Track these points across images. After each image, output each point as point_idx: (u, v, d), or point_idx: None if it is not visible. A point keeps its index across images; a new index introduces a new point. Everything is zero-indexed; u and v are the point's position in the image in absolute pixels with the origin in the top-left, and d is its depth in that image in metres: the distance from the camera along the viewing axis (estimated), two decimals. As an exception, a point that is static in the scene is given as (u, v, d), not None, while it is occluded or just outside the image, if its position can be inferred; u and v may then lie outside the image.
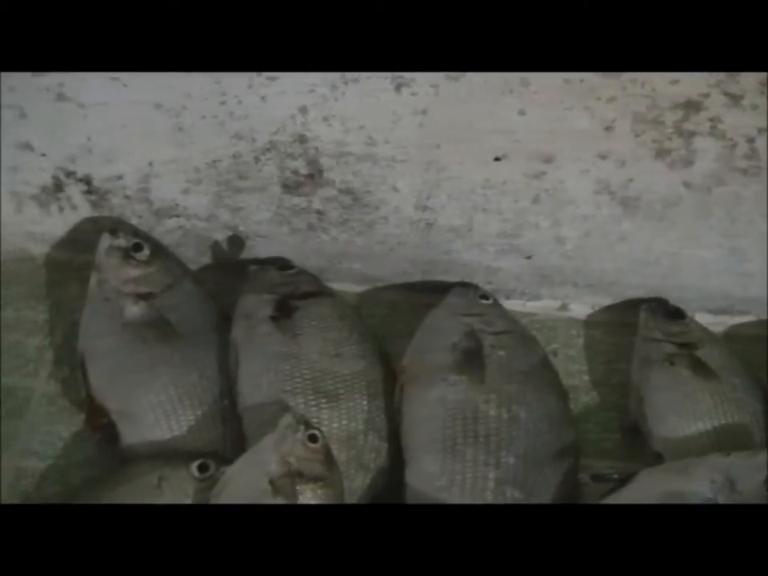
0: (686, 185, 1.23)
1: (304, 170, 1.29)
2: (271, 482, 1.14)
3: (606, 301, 1.41)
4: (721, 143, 1.18)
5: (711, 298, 1.37)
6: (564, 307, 1.43)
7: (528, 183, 1.26)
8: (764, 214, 1.25)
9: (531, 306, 1.42)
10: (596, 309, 1.42)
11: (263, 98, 1.19)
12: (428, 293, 1.39)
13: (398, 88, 1.16)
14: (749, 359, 1.35)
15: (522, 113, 1.17)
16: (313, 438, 1.16)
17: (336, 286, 1.41)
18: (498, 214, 1.30)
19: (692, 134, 1.18)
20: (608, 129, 1.18)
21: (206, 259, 1.43)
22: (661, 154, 1.20)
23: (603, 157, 1.22)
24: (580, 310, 1.42)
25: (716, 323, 1.39)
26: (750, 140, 1.17)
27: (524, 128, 1.20)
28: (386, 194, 1.30)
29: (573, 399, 1.32)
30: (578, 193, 1.26)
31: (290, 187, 1.31)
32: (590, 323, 1.42)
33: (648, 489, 1.19)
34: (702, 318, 1.37)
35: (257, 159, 1.28)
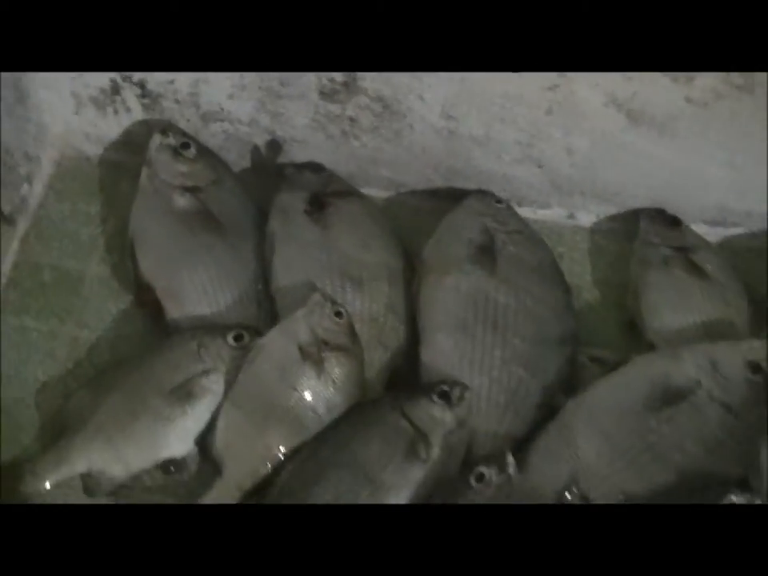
0: (687, 99, 1.35)
1: (340, 78, 1.41)
2: (300, 348, 1.28)
3: (611, 210, 1.53)
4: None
5: (707, 209, 1.49)
6: (572, 216, 1.55)
7: (542, 95, 1.38)
8: (761, 128, 1.36)
9: (541, 213, 1.54)
10: (601, 217, 1.54)
11: (306, 8, 1.32)
12: (448, 199, 1.51)
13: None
14: (740, 268, 1.47)
15: (539, 27, 1.29)
16: (338, 314, 1.30)
17: (365, 190, 1.53)
18: (514, 123, 1.42)
19: (694, 50, 1.29)
20: (617, 44, 1.30)
21: (246, 162, 1.56)
22: (664, 68, 1.32)
23: (612, 70, 1.33)
24: (586, 218, 1.54)
25: (711, 234, 1.51)
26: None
27: (541, 42, 1.31)
28: (413, 103, 1.43)
29: (576, 296, 1.44)
30: (588, 105, 1.38)
31: (326, 94, 1.44)
32: (595, 230, 1.54)
33: (640, 371, 1.32)
34: (698, 228, 1.49)
35: (296, 69, 1.41)
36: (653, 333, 1.40)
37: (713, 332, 1.37)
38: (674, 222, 1.47)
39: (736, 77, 1.32)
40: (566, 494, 1.24)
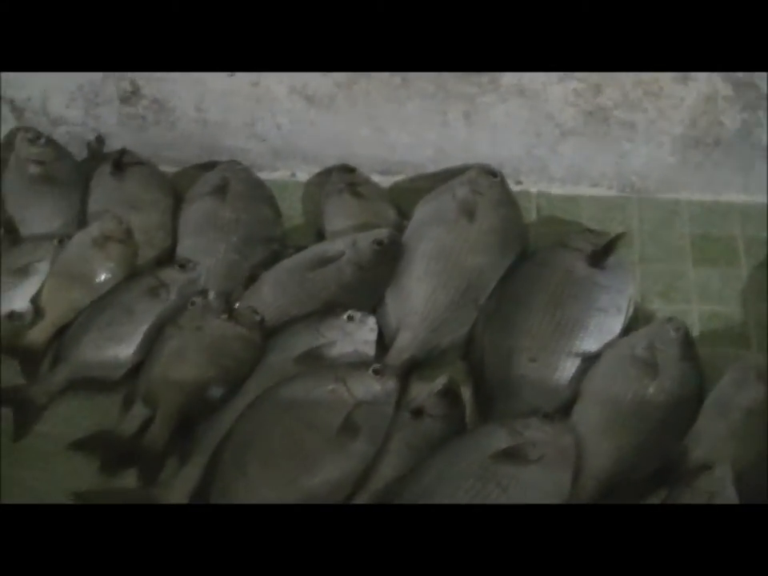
0: (337, 84, 2.18)
1: (129, 88, 2.25)
2: (93, 240, 2.09)
3: (317, 168, 2.33)
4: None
5: (377, 162, 2.30)
6: (293, 174, 2.35)
7: (250, 90, 2.20)
8: (391, 99, 2.18)
9: (273, 174, 2.32)
10: (312, 173, 2.34)
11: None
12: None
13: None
14: (405, 202, 2.25)
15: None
16: (120, 222, 2.11)
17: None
18: (239, 111, 2.24)
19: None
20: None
21: (84, 152, 2.38)
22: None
23: (287, 71, 2.17)
24: (303, 175, 2.35)
25: (384, 180, 2.30)
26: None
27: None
28: (176, 102, 2.25)
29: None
30: (279, 94, 2.20)
31: (123, 100, 2.27)
32: (309, 183, 2.34)
33: (307, 251, 2.11)
34: (375, 177, 2.28)
35: (102, 84, 2.24)
36: (329, 234, 2.19)
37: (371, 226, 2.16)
38: (349, 170, 2.28)
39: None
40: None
